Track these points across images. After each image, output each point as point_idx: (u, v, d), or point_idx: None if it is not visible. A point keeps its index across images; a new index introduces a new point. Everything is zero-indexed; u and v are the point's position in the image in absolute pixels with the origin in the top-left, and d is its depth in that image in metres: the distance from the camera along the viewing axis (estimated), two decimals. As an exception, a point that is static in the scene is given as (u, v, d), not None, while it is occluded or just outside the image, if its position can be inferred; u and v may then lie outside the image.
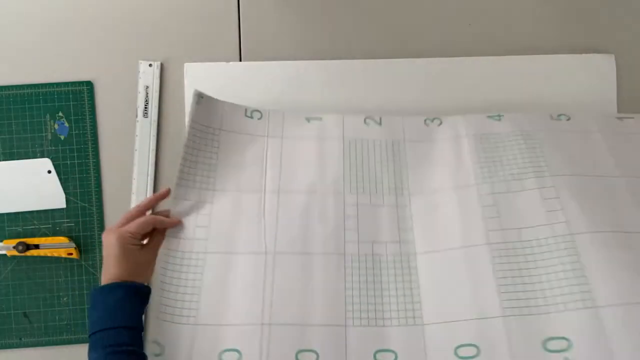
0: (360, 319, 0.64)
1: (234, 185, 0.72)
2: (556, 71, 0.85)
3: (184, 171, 0.70)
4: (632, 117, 0.79)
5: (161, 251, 0.67)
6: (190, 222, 0.69)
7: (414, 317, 0.64)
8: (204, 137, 0.73)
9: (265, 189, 0.72)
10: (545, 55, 0.85)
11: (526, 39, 0.86)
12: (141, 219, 0.66)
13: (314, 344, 0.63)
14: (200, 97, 0.73)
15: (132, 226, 0.64)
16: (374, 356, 0.63)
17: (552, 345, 0.60)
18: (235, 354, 0.62)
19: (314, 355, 0.63)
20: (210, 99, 0.74)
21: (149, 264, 0.66)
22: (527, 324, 0.61)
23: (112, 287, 0.62)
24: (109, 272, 0.63)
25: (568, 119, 0.76)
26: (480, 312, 0.62)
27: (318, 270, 0.67)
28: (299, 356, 0.63)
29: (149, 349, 0.62)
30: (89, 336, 0.61)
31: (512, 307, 0.62)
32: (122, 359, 0.59)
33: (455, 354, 0.61)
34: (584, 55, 0.85)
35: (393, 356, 0.63)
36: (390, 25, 0.86)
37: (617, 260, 0.62)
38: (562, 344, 0.59)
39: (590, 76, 0.85)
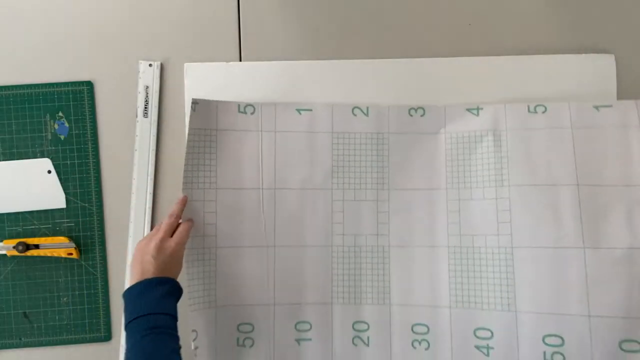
0: (343, 298, 0.81)
1: (234, 183, 0.81)
2: (556, 71, 0.84)
3: (187, 175, 0.79)
4: (610, 106, 0.79)
5: None
6: (199, 220, 0.79)
7: (384, 299, 0.80)
8: (203, 140, 0.80)
9: (262, 186, 0.81)
10: (545, 55, 0.85)
11: (526, 39, 0.86)
12: (186, 229, 0.75)
13: (309, 317, 0.80)
14: (195, 103, 0.80)
15: (185, 236, 0.75)
16: (352, 326, 0.80)
17: (480, 333, 0.78)
18: (249, 326, 0.80)
19: (309, 325, 0.80)
20: (205, 101, 0.80)
21: (182, 263, 0.75)
22: (465, 315, 0.78)
23: (162, 280, 0.70)
24: (152, 270, 0.70)
25: (544, 111, 0.80)
26: (433, 300, 0.79)
27: (310, 259, 0.81)
28: (298, 326, 0.80)
29: (192, 334, 0.76)
30: (129, 322, 0.67)
31: (457, 301, 0.78)
32: (165, 339, 0.67)
33: (412, 329, 0.79)
34: (583, 55, 0.85)
35: (366, 326, 0.80)
36: (390, 25, 0.86)
37: (541, 275, 0.76)
38: (487, 333, 0.77)
39: (590, 76, 0.84)
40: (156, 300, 0.68)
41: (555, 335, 0.74)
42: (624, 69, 0.85)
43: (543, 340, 0.75)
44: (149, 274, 0.70)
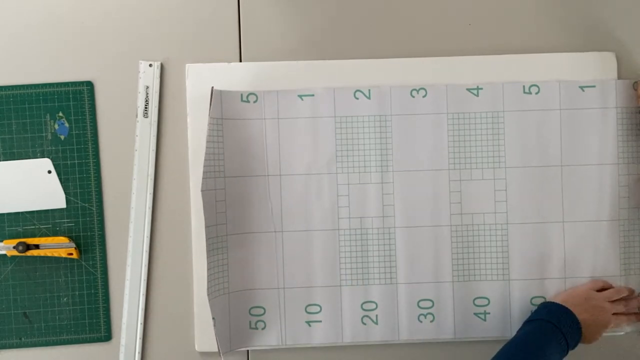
0: (351, 279, 0.84)
1: (241, 171, 0.83)
2: (557, 69, 0.85)
3: (205, 164, 0.80)
4: (594, 86, 0.84)
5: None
6: (212, 210, 0.81)
7: (390, 278, 0.84)
8: (213, 129, 0.82)
9: (268, 173, 0.83)
10: (546, 54, 0.85)
11: (526, 38, 0.86)
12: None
13: (318, 300, 0.84)
14: (211, 92, 0.81)
15: None
16: (361, 306, 0.84)
17: (478, 302, 0.85)
18: (261, 310, 0.84)
19: (318, 308, 0.84)
20: (215, 91, 0.82)
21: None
22: (465, 287, 0.85)
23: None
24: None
25: (537, 92, 0.85)
26: (437, 277, 0.85)
27: (317, 243, 0.84)
28: (307, 309, 0.84)
29: (212, 321, 0.80)
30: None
31: (458, 275, 0.85)
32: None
33: (417, 305, 0.84)
34: (584, 53, 0.85)
35: (375, 305, 0.84)
36: (390, 25, 0.86)
37: (531, 247, 0.85)
38: (484, 301, 0.85)
39: (591, 74, 0.84)
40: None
41: (540, 297, 0.85)
42: (625, 67, 0.85)
43: (530, 302, 0.85)
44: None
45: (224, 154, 0.82)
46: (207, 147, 0.80)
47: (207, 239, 0.79)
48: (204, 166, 0.80)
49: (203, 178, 0.79)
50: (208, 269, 0.79)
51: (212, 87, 0.81)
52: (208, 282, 0.79)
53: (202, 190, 0.79)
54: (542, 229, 0.85)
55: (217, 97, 0.81)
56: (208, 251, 0.79)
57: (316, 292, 0.84)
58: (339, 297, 0.84)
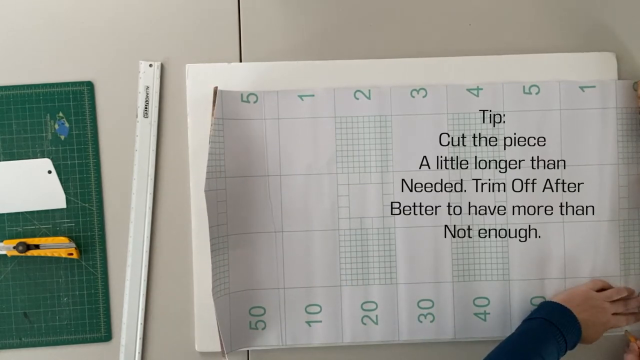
0: (351, 280, 0.85)
1: (241, 171, 0.83)
2: (557, 70, 0.85)
3: (208, 165, 0.80)
4: (594, 87, 0.84)
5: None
6: (213, 211, 0.80)
7: (390, 278, 0.85)
8: (214, 129, 0.81)
9: (268, 173, 0.83)
10: (546, 54, 0.85)
11: (526, 38, 0.86)
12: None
13: (318, 300, 0.84)
14: (214, 92, 0.81)
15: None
16: (361, 306, 0.84)
17: (478, 302, 0.85)
18: (261, 310, 0.84)
19: (319, 308, 0.84)
20: (218, 91, 0.82)
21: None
22: (465, 287, 0.85)
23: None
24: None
25: (537, 92, 0.85)
26: (437, 277, 0.85)
27: (318, 244, 0.84)
28: (308, 309, 0.84)
29: (216, 321, 0.79)
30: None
31: (458, 275, 0.85)
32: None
33: (417, 305, 0.85)
34: (584, 53, 0.85)
35: (375, 305, 0.85)
36: (391, 26, 0.86)
37: (531, 247, 0.85)
38: (484, 301, 0.85)
39: (591, 75, 0.84)
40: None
41: (540, 297, 0.85)
42: (625, 67, 0.85)
43: (530, 302, 0.85)
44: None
45: (225, 154, 0.82)
46: (210, 148, 0.80)
47: (211, 239, 0.79)
48: (207, 166, 0.79)
49: (206, 178, 0.79)
50: (212, 269, 0.79)
51: (216, 87, 0.81)
52: (212, 282, 0.79)
53: (205, 191, 0.78)
54: (542, 229, 0.85)
55: (218, 98, 0.81)
56: (212, 251, 0.79)
57: (316, 292, 0.84)
58: (339, 297, 0.84)
